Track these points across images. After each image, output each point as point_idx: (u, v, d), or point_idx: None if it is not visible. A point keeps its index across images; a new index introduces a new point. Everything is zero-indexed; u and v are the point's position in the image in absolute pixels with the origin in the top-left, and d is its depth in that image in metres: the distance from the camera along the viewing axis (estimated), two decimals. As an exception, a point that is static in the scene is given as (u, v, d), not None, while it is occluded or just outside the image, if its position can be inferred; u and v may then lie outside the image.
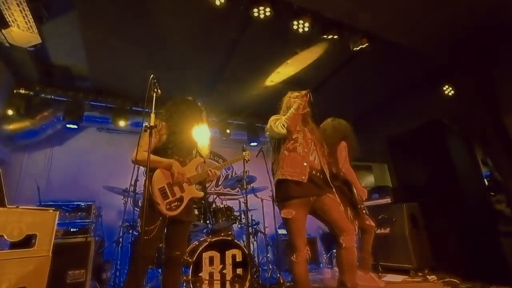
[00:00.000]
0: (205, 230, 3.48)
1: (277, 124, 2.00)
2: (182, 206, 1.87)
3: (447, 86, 3.93)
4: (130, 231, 3.45)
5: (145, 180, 1.80)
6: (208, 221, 3.37)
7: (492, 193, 3.66)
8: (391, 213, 3.80)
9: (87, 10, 2.80)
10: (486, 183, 3.87)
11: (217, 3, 2.53)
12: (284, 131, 1.95)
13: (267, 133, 2.15)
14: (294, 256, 1.87)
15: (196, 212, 3.25)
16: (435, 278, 3.17)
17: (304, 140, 2.02)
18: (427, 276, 3.25)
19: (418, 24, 2.96)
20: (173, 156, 1.93)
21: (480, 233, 3.44)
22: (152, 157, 1.81)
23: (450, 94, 3.92)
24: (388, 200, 4.08)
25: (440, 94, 4.00)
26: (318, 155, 2.04)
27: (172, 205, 1.81)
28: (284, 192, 1.92)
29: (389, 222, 3.77)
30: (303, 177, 1.90)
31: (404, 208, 3.76)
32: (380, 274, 3.44)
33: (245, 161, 2.47)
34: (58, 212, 2.07)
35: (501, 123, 2.73)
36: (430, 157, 4.05)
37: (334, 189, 2.01)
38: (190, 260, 2.79)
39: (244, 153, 2.46)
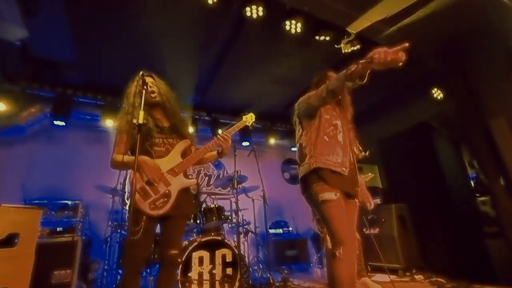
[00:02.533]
0: (195, 230, 3.46)
1: (321, 90, 1.65)
2: (171, 202, 1.67)
3: (436, 90, 4.00)
4: (118, 230, 3.39)
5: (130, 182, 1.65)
6: (198, 221, 3.34)
7: (477, 195, 3.75)
8: (380, 213, 3.85)
9: (76, 4, 2.74)
10: (473, 185, 3.97)
11: (210, 1, 2.51)
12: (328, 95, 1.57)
13: (300, 108, 1.83)
14: (341, 251, 1.46)
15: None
16: (422, 277, 3.23)
17: (343, 129, 1.79)
18: (415, 276, 3.31)
19: (408, 28, 3.01)
20: (153, 148, 1.72)
21: (466, 234, 3.53)
22: (120, 159, 1.65)
23: (439, 97, 4.00)
24: (377, 200, 4.14)
25: (429, 98, 4.08)
26: (352, 151, 1.81)
27: (157, 203, 1.63)
28: (321, 180, 1.61)
29: (378, 223, 3.82)
30: (344, 169, 1.64)
31: (393, 208, 3.82)
32: (369, 274, 3.48)
33: (249, 127, 2.08)
34: (42, 211, 2.02)
35: (487, 127, 2.80)
36: (419, 159, 4.12)
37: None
38: (179, 260, 2.77)
39: (244, 117, 2.05)
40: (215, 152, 1.94)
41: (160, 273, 1.73)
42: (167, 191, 1.69)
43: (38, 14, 2.70)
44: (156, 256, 2.91)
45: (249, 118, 2.06)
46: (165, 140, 1.78)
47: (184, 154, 1.82)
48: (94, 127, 4.46)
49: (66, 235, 3.10)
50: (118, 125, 1.77)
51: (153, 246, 2.77)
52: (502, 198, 2.77)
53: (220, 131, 4.93)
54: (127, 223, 1.70)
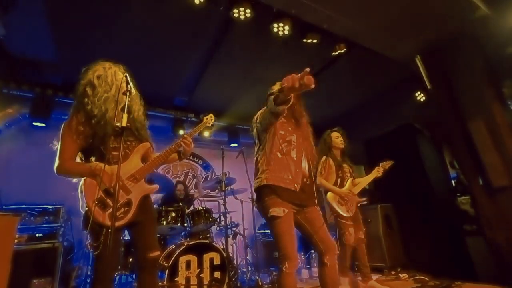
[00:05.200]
0: (182, 233, 3.40)
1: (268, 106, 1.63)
2: (132, 210, 1.55)
3: (419, 92, 4.13)
4: (102, 235, 3.29)
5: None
6: (186, 224, 3.29)
7: (458, 194, 3.89)
8: (366, 213, 3.92)
9: (56, 1, 2.64)
10: (454, 184, 4.11)
11: (196, 1, 2.48)
12: (277, 108, 1.53)
13: (257, 124, 1.82)
14: (286, 266, 1.57)
15: (173, 214, 3.16)
16: (407, 276, 3.32)
17: (297, 144, 1.82)
18: (399, 274, 3.40)
19: (393, 33, 3.09)
20: (111, 152, 1.54)
21: (447, 232, 3.65)
22: (73, 167, 1.53)
23: (421, 100, 4.13)
24: (363, 201, 4.21)
25: (413, 100, 4.20)
26: (308, 160, 1.86)
27: (117, 214, 1.49)
28: (273, 194, 1.67)
29: (364, 223, 3.88)
30: (296, 185, 1.71)
31: (379, 209, 3.91)
32: (355, 273, 3.54)
33: (208, 126, 2.05)
34: (19, 217, 1.92)
35: (466, 129, 2.91)
36: (404, 159, 4.23)
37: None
38: (166, 264, 2.71)
39: (205, 118, 2.02)
40: (175, 154, 1.84)
41: (141, 278, 1.63)
42: (127, 200, 1.56)
43: (15, 11, 2.58)
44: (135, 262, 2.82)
45: (209, 119, 2.03)
46: (125, 143, 1.61)
47: (144, 159, 1.71)
48: (76, 128, 4.30)
49: (46, 241, 3.00)
50: (70, 123, 1.54)
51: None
52: (480, 197, 2.88)
53: (207, 133, 4.90)
54: (88, 238, 1.54)
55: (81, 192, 1.53)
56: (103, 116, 1.57)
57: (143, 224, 1.62)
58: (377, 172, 3.03)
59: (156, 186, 1.70)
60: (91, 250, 1.49)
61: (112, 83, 1.65)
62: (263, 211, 1.71)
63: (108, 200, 1.50)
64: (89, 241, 1.53)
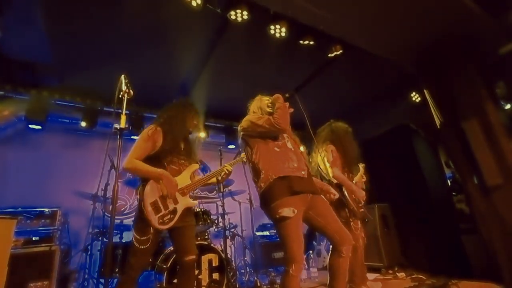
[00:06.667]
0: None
1: (264, 120, 1.77)
2: (176, 218, 1.82)
3: (414, 93, 4.17)
4: (100, 238, 3.28)
5: (137, 190, 1.84)
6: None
7: (454, 193, 3.93)
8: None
9: (52, 2, 2.63)
10: (449, 183, 4.16)
11: (194, 4, 2.49)
12: (278, 127, 1.72)
13: (245, 128, 1.86)
14: (293, 268, 1.55)
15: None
16: (404, 275, 3.34)
17: (290, 138, 1.87)
18: (397, 274, 3.42)
19: (389, 34, 3.12)
20: (169, 165, 1.88)
21: (444, 231, 3.68)
22: (142, 166, 1.78)
23: (417, 100, 4.18)
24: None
25: (408, 101, 4.25)
26: (303, 158, 1.87)
27: (164, 219, 1.77)
28: (284, 187, 1.62)
29: (362, 223, 3.90)
30: (303, 172, 1.71)
31: (376, 208, 3.93)
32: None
33: (244, 162, 2.27)
34: (15, 221, 1.91)
35: (460, 128, 2.95)
36: (400, 159, 4.27)
37: None
38: (164, 266, 2.71)
39: (242, 154, 2.29)
40: (214, 178, 2.17)
41: (179, 277, 1.91)
42: (174, 208, 1.83)
43: (9, 12, 2.57)
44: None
45: (243, 155, 2.26)
46: (179, 160, 1.97)
47: (192, 177, 2.03)
48: (73, 131, 4.29)
49: (43, 244, 2.98)
50: (150, 133, 1.85)
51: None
52: (475, 196, 2.92)
53: (204, 134, 4.88)
54: (135, 233, 1.76)
55: (137, 194, 1.81)
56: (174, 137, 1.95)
57: (182, 230, 1.87)
58: (362, 177, 2.87)
59: (196, 202, 2.00)
60: (137, 244, 1.70)
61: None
62: (271, 213, 1.65)
63: (161, 205, 1.78)
64: (135, 236, 1.73)
